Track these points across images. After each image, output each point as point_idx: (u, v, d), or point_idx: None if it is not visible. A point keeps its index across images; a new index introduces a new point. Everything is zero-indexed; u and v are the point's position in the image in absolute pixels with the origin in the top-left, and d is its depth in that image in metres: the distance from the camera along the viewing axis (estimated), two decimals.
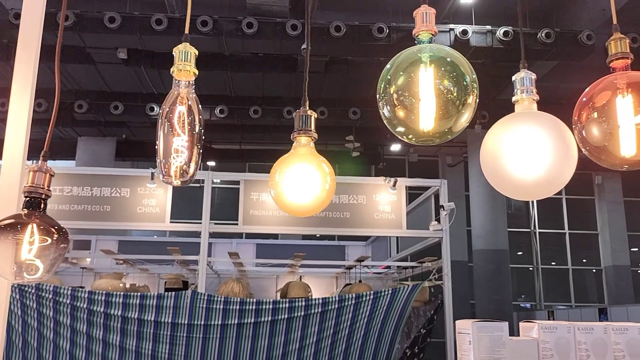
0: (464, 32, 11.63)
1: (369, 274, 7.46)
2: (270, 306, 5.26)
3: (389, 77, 1.34)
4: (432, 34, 1.45)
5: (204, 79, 14.16)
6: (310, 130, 1.81)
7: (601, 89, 1.47)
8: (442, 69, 1.34)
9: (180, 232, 13.67)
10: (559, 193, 20.39)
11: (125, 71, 12.79)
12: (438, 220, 5.51)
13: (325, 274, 7.71)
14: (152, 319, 5.11)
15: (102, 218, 5.15)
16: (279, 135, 17.55)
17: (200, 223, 5.22)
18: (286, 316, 5.21)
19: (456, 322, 1.79)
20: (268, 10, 11.47)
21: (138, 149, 16.36)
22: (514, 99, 1.61)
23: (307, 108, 1.77)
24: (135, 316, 5.12)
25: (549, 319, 15.54)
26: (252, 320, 5.18)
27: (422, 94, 1.28)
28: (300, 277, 7.08)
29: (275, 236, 11.64)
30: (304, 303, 5.26)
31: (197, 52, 1.65)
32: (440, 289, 5.78)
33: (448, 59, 1.36)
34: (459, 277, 19.38)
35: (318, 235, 14.27)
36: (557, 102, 14.93)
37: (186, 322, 5.11)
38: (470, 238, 17.97)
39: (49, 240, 1.56)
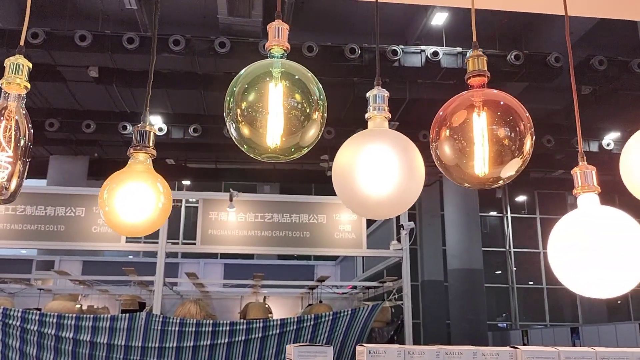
0: (435, 53, 11.79)
1: (337, 294, 7.40)
2: (227, 328, 5.17)
3: (235, 89, 1.33)
4: (284, 50, 1.45)
5: (178, 98, 14.12)
6: (149, 147, 1.78)
7: (457, 106, 1.47)
8: (291, 85, 1.34)
9: (154, 253, 13.47)
10: (533, 212, 20.61)
11: (96, 89, 12.71)
12: (399, 239, 5.49)
13: (290, 294, 7.64)
14: (105, 341, 4.99)
15: (56, 238, 5.05)
16: None
17: (157, 243, 5.14)
18: (243, 338, 5.13)
19: (286, 347, 1.76)
20: (240, 29, 11.52)
21: (111, 168, 16.09)
22: (367, 115, 1.61)
23: (147, 123, 1.74)
24: (88, 339, 5.00)
25: (522, 339, 15.57)
26: (208, 343, 5.08)
27: (270, 109, 1.28)
28: (265, 297, 6.99)
29: (250, 256, 11.54)
30: (261, 324, 5.19)
31: (30, 65, 1.61)
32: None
33: (296, 76, 1.37)
34: (435, 297, 19.40)
35: (295, 256, 14.19)
36: None
37: (140, 344, 4.99)
38: (446, 257, 18.02)
39: None
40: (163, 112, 14.38)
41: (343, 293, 7.94)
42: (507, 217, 20.46)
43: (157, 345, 5.01)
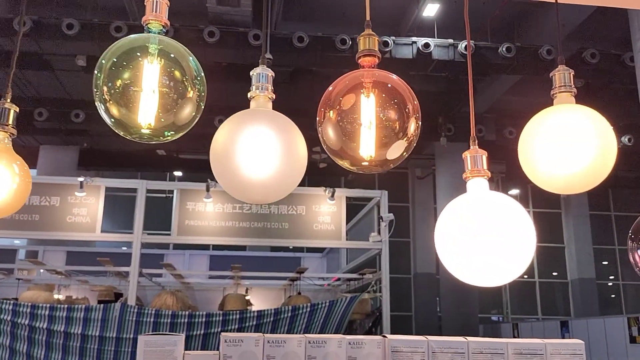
0: (426, 45, 11.69)
1: (317, 285, 7.36)
2: (204, 319, 5.13)
3: (106, 63, 1.26)
4: (163, 25, 1.38)
5: None
6: (8, 125, 1.70)
7: (346, 86, 1.40)
8: (167, 62, 1.29)
9: (147, 244, 13.41)
10: (526, 206, 20.54)
11: (85, 78, 12.58)
12: (379, 231, 5.44)
13: (273, 285, 7.60)
14: (79, 332, 4.95)
15: (30, 227, 4.98)
16: None
17: (133, 233, 5.08)
18: (219, 329, 5.09)
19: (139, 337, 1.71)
20: (230, 19, 11.40)
21: (102, 158, 16.12)
22: (249, 94, 1.55)
23: (8, 100, 1.67)
24: (62, 329, 4.95)
25: (513, 332, 15.58)
26: (184, 334, 5.03)
27: (144, 87, 1.23)
28: (247, 289, 6.95)
29: (236, 247, 11.46)
30: (238, 316, 5.15)
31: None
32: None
33: (172, 54, 1.32)
34: (427, 290, 19.40)
35: (291, 247, 14.12)
36: (520, 115, 15.13)
37: (115, 335, 4.95)
38: None
39: None
40: None
41: (328, 285, 7.90)
42: None
43: (131, 336, 4.96)
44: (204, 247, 10.20)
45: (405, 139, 1.36)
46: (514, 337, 15.60)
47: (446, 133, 14.92)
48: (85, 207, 5.03)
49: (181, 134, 1.35)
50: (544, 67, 12.02)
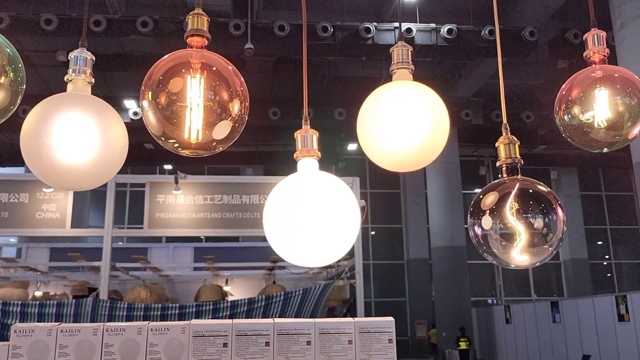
0: (409, 30, 11.63)
1: (308, 273, 7.35)
2: (177, 311, 5.14)
3: None
4: None
5: None
6: None
7: (169, 66, 1.37)
8: None
9: (134, 238, 13.49)
10: None
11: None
12: None
13: (254, 275, 7.60)
14: None
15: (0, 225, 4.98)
16: None
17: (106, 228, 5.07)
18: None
19: None
20: (210, 9, 11.30)
21: None
22: (66, 77, 1.54)
23: None
24: None
25: (505, 314, 15.65)
26: None
27: None
28: (227, 280, 6.96)
29: (221, 239, 11.41)
30: (211, 307, 5.15)
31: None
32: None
33: None
34: (420, 275, 19.46)
35: None
36: (508, 98, 15.11)
37: None
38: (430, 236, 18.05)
39: None
40: (138, 95, 14.22)
41: (312, 273, 7.90)
42: None
43: None
44: (189, 239, 10.20)
45: (230, 119, 1.35)
46: (507, 319, 15.69)
47: None
48: (54, 202, 5.02)
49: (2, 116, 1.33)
50: (528, 48, 11.99)
